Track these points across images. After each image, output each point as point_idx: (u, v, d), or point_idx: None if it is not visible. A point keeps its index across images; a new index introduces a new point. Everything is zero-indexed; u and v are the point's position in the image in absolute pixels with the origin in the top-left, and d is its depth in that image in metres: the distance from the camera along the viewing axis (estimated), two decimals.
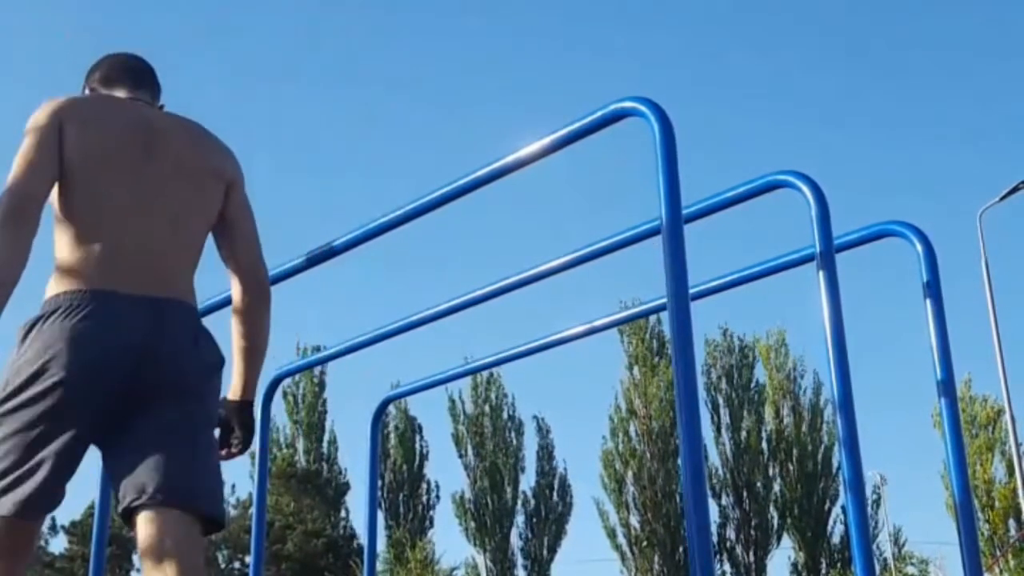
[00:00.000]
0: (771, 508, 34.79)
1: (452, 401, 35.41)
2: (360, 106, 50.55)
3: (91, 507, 28.84)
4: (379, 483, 31.56)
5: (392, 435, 35.36)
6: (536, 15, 51.52)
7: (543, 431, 36.24)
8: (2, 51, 49.86)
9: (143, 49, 2.76)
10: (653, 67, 49.53)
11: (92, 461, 2.44)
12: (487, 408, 35.46)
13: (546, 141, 2.81)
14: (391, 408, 35.53)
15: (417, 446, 35.73)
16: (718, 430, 35.46)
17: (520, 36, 51.93)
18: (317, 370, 34.96)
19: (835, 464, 34.37)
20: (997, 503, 30.96)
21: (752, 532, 34.57)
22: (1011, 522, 30.58)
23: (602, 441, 34.64)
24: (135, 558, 31.17)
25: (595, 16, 50.66)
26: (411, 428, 35.77)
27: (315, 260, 3.60)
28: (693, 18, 51.10)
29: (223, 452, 2.61)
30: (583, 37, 51.13)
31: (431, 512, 35.10)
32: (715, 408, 35.69)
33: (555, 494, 35.27)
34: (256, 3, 50.32)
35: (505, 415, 35.62)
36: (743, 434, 35.17)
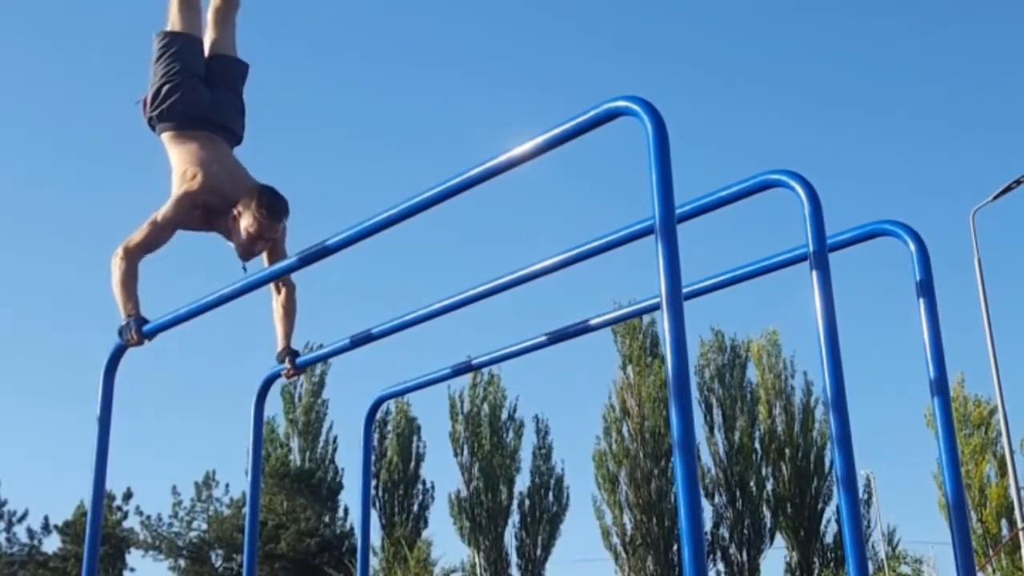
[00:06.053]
0: (764, 508, 34.80)
1: (452, 400, 35.40)
2: (350, 103, 50.53)
3: (84, 507, 28.77)
4: (374, 482, 31.66)
5: (391, 435, 35.30)
6: (529, 12, 51.56)
7: (541, 431, 36.22)
8: None
9: None
10: (646, 65, 49.59)
11: (85, 461, 2.45)
12: (485, 407, 35.43)
13: (539, 140, 2.81)
14: (391, 409, 35.52)
15: (414, 446, 35.71)
16: (711, 430, 35.47)
17: (513, 33, 51.95)
18: (318, 369, 34.82)
19: (827, 464, 34.41)
20: (990, 502, 31.04)
21: (745, 532, 34.57)
22: (1003, 521, 30.66)
23: (595, 441, 34.65)
24: (128, 557, 31.13)
25: (589, 14, 50.71)
26: (410, 429, 35.74)
27: (308, 259, 3.59)
28: (687, 15, 51.15)
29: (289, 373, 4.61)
30: (578, 35, 51.16)
31: (426, 512, 35.10)
32: (708, 408, 35.70)
33: (550, 494, 35.25)
34: None
35: (505, 415, 35.60)
36: (736, 434, 35.18)
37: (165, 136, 4.43)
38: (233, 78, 4.66)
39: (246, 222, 4.17)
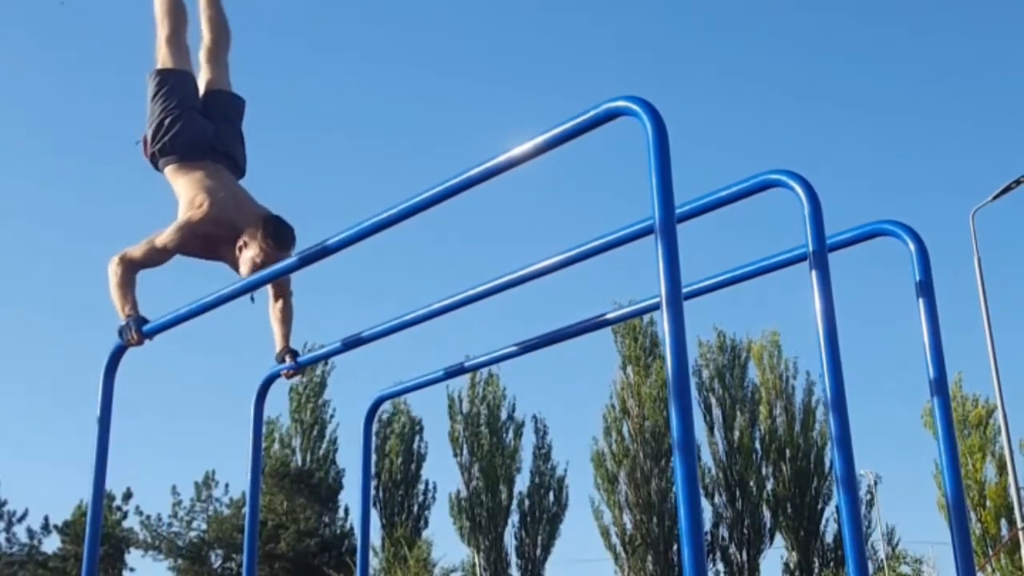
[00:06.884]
0: (764, 507, 34.80)
1: (451, 400, 35.41)
2: (350, 103, 50.51)
3: (84, 507, 28.75)
4: (374, 482, 31.61)
5: (393, 436, 35.29)
6: (529, 12, 51.54)
7: (540, 431, 36.23)
8: None
9: None
10: (647, 65, 49.57)
11: (85, 461, 2.45)
12: (484, 407, 35.43)
13: (539, 140, 2.81)
14: (393, 409, 35.49)
15: (416, 446, 35.71)
16: (711, 430, 35.47)
17: (513, 33, 51.93)
18: (319, 370, 34.81)
19: (827, 464, 34.40)
20: (989, 502, 31.05)
21: (745, 531, 34.57)
22: (1003, 521, 30.67)
23: (592, 442, 34.65)
24: (128, 557, 31.14)
25: (589, 14, 50.70)
26: (412, 429, 35.73)
27: (308, 259, 3.59)
28: (687, 15, 51.14)
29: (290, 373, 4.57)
30: (578, 35, 51.14)
31: (426, 512, 35.10)
32: (708, 408, 35.70)
33: (550, 494, 35.26)
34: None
35: (504, 415, 35.60)
36: (735, 434, 35.18)
37: (169, 169, 4.41)
38: (231, 113, 4.66)
39: (252, 252, 4.14)
